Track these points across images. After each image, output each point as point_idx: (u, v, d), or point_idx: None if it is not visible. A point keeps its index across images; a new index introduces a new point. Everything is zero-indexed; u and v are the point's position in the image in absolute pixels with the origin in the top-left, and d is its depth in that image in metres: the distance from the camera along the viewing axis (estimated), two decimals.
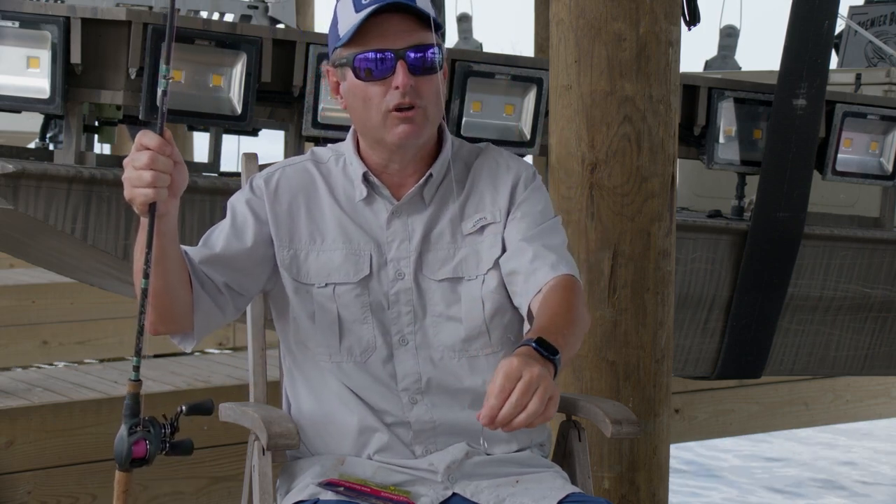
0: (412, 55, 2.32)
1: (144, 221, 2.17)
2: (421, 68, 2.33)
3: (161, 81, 2.14)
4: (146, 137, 2.13)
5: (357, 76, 2.34)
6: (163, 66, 2.14)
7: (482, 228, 2.44)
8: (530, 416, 2.01)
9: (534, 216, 2.43)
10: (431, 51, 2.34)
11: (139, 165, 2.12)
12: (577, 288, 2.37)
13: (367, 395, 2.42)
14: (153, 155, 2.12)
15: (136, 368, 2.15)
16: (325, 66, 2.45)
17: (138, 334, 2.15)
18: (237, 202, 2.46)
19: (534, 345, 2.10)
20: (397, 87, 2.32)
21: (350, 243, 2.43)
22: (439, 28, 2.35)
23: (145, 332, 2.16)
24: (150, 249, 2.14)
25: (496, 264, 2.42)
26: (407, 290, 2.42)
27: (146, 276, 2.14)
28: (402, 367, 2.42)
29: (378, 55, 2.32)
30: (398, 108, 2.33)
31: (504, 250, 2.42)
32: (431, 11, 2.36)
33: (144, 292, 2.13)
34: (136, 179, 2.12)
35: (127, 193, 2.15)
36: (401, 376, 2.42)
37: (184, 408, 2.24)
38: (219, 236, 2.41)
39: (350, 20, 2.33)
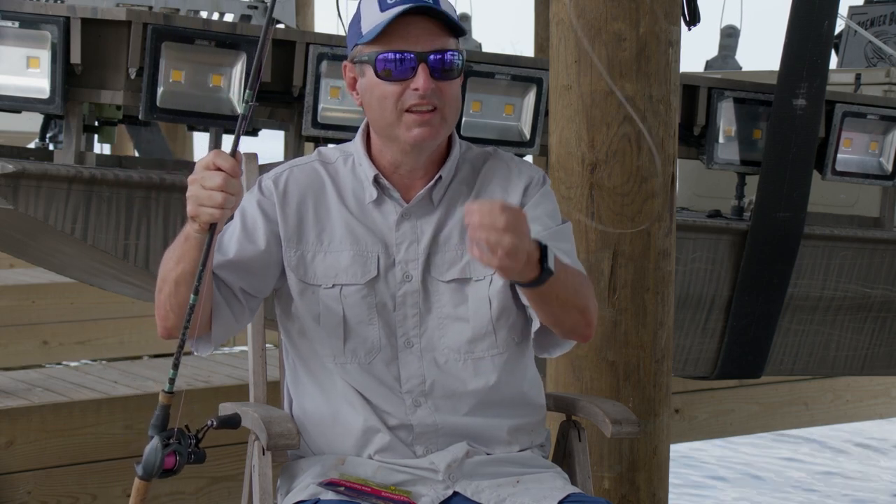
0: (434, 59, 2.33)
1: (190, 234, 2.22)
2: (441, 72, 2.34)
3: (243, 106, 2.20)
4: (220, 159, 2.17)
5: (377, 74, 2.35)
6: (247, 92, 2.19)
7: None
8: (489, 229, 2.07)
9: (542, 220, 2.44)
10: (453, 54, 2.35)
11: (211, 186, 2.16)
12: (589, 281, 2.41)
13: (370, 397, 2.42)
14: (227, 177, 2.16)
15: (172, 381, 2.17)
16: (343, 63, 2.45)
17: (179, 347, 2.19)
18: (247, 204, 2.45)
19: (542, 243, 2.18)
20: (416, 89, 2.32)
21: (357, 244, 2.42)
22: (462, 34, 2.36)
23: (183, 344, 2.20)
24: (204, 267, 2.20)
25: None
26: (414, 292, 2.42)
27: (196, 292, 2.18)
28: (407, 369, 2.42)
29: (400, 56, 2.32)
30: (415, 110, 2.34)
31: None
32: (456, 15, 2.37)
33: (192, 308, 2.18)
34: (207, 199, 2.16)
35: (191, 210, 2.18)
36: (405, 378, 2.42)
37: (214, 422, 2.25)
38: (230, 240, 2.41)
39: (374, 19, 2.34)
